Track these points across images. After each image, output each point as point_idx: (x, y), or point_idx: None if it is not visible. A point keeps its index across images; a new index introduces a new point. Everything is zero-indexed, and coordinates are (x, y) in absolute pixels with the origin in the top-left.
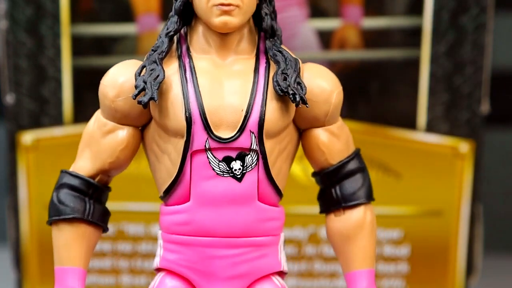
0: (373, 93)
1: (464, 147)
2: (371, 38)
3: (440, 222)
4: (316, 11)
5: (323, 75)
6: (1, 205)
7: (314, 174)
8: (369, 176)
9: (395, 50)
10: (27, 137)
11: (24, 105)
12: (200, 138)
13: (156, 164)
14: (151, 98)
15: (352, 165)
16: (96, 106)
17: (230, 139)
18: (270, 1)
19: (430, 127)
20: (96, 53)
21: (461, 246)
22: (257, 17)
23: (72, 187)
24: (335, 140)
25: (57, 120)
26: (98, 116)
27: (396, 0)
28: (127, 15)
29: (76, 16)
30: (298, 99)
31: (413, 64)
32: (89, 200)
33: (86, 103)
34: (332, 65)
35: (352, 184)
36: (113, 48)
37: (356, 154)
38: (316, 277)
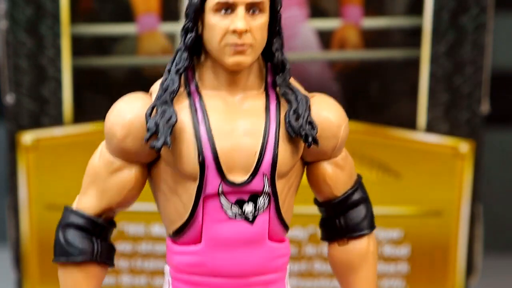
0: (373, 93)
1: (464, 147)
2: (371, 38)
3: (440, 222)
4: (316, 11)
5: (331, 109)
6: (1, 205)
7: (317, 204)
8: (371, 205)
9: (395, 50)
10: (27, 137)
11: (24, 105)
12: (213, 182)
13: (164, 203)
14: (165, 143)
15: (356, 196)
16: (96, 106)
17: (243, 183)
18: (279, 34)
19: (430, 127)
20: (96, 53)
21: (461, 246)
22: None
23: (78, 227)
24: (339, 172)
25: (57, 120)
26: (103, 152)
27: (396, 0)
28: (127, 15)
29: (76, 16)
30: (310, 140)
31: (413, 64)
32: (96, 240)
33: (86, 103)
34: (332, 65)
35: (356, 214)
36: (113, 48)
37: (359, 184)
38: (316, 277)
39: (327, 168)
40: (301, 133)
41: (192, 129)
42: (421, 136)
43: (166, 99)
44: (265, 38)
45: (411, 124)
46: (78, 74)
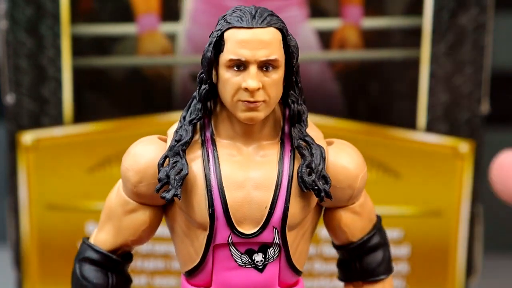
0: (373, 93)
1: (464, 147)
2: (371, 38)
3: (440, 222)
4: (316, 11)
5: (349, 159)
6: (1, 205)
7: (334, 247)
8: (389, 248)
9: (395, 50)
10: (27, 137)
11: (24, 105)
12: (223, 233)
13: (178, 244)
14: (175, 195)
15: (374, 241)
16: (96, 106)
17: (253, 235)
18: (297, 83)
19: (430, 127)
20: (96, 53)
21: (461, 246)
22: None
23: (94, 262)
24: (357, 219)
25: (57, 120)
26: (120, 192)
27: (396, 0)
28: (127, 15)
29: (76, 16)
30: (322, 195)
31: (413, 64)
32: (112, 274)
33: (86, 103)
34: (332, 65)
35: (373, 260)
36: (113, 48)
37: (378, 229)
38: (316, 277)
39: (343, 215)
40: (313, 188)
41: (203, 180)
42: (421, 136)
43: (178, 151)
44: (280, 92)
45: (411, 124)
46: (78, 74)
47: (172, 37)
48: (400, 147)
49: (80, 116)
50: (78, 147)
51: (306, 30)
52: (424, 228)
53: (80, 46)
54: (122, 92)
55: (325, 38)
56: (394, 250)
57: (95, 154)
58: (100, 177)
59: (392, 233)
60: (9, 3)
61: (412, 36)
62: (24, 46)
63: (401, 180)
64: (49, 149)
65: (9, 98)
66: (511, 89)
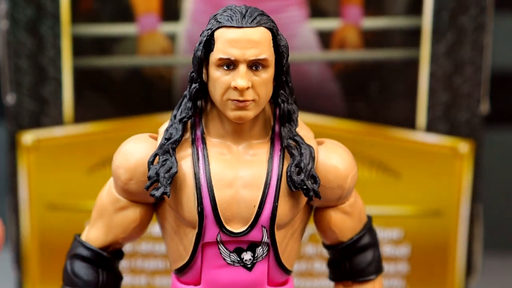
0: (372, 93)
1: (464, 147)
2: (371, 38)
3: (439, 222)
4: (316, 11)
5: (339, 159)
6: (1, 205)
7: (325, 247)
8: (379, 249)
9: (394, 50)
10: (28, 137)
11: (24, 105)
12: (211, 231)
13: (168, 241)
14: (164, 193)
15: (364, 241)
16: (96, 106)
17: (242, 234)
18: (287, 83)
19: (430, 127)
20: (96, 53)
21: (460, 246)
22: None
23: (84, 259)
24: (347, 219)
25: (58, 120)
26: (111, 189)
27: (396, 0)
28: (127, 15)
29: (77, 16)
30: (311, 194)
31: (413, 64)
32: (102, 271)
33: (87, 103)
34: (332, 65)
35: (362, 260)
36: (114, 48)
37: (368, 229)
38: (316, 277)
39: (332, 215)
40: (302, 187)
41: (192, 179)
42: (421, 136)
43: (168, 149)
44: (270, 91)
45: (410, 124)
46: (79, 74)
47: (172, 37)
48: (400, 147)
49: (80, 116)
50: (78, 147)
51: (306, 30)
52: (424, 228)
53: (81, 46)
54: (122, 92)
55: (325, 38)
56: (394, 250)
57: (95, 154)
58: (100, 177)
59: (392, 233)
60: (9, 3)
61: (412, 36)
62: (25, 46)
63: (401, 180)
64: (49, 149)
65: (10, 98)
66: (511, 89)
